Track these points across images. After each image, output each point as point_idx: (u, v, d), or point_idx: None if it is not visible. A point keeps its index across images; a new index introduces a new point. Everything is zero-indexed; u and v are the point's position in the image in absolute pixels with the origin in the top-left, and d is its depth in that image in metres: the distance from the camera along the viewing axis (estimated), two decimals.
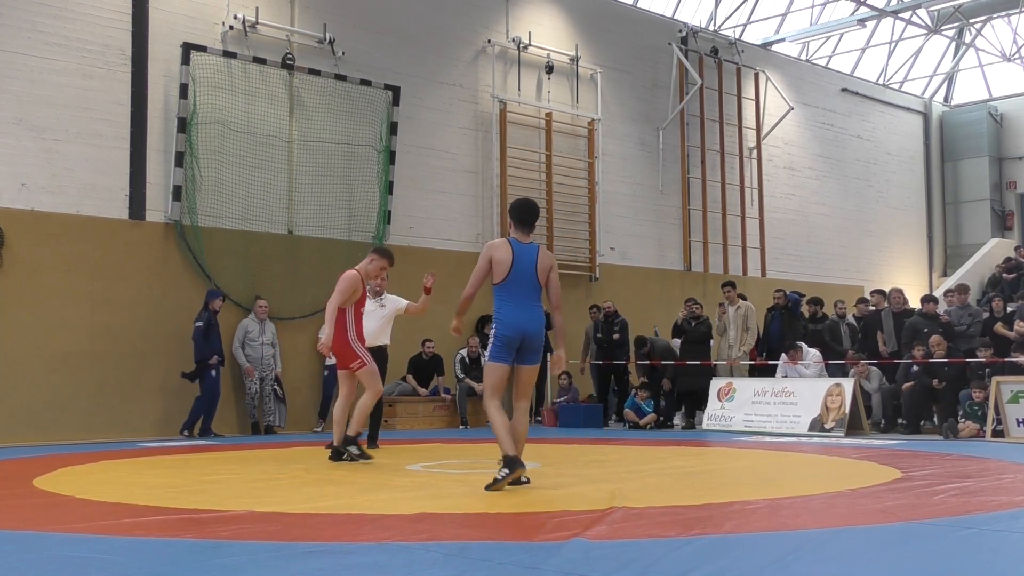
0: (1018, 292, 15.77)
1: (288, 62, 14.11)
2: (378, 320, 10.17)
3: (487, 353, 7.13)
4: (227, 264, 13.47)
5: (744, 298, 15.35)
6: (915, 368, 12.93)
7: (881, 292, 15.28)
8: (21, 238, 12.03)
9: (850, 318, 15.46)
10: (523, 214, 7.11)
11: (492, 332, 7.04)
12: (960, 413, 12.00)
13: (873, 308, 14.97)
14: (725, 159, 20.10)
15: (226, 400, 13.31)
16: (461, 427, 14.59)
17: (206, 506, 5.92)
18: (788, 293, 15.70)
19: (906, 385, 12.81)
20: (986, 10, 23.53)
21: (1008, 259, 19.62)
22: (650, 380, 14.82)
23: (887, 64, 24.63)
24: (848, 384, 12.48)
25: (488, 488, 6.59)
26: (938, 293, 17.82)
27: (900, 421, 12.96)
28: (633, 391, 14.74)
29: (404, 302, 10.35)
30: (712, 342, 15.10)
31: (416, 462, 8.76)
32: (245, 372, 13.27)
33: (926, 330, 13.22)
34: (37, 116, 12.24)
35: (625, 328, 15.37)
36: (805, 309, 15.63)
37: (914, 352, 13.03)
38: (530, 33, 17.08)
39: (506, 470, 6.66)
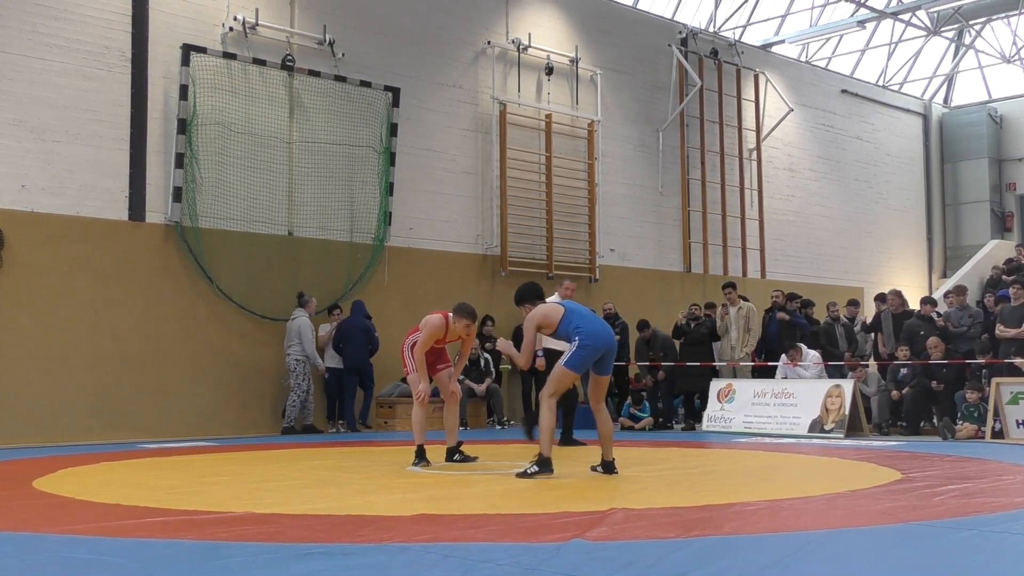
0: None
1: (288, 63, 14.12)
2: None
3: (566, 359, 7.52)
4: (227, 266, 13.46)
5: (745, 299, 15.35)
6: (903, 371, 12.95)
7: (883, 296, 15.28)
8: (21, 239, 12.03)
9: (846, 320, 15.47)
10: (539, 290, 8.19)
11: (577, 342, 7.46)
12: (958, 415, 12.00)
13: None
14: (725, 160, 20.10)
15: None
16: (461, 428, 14.54)
17: (206, 507, 5.92)
18: (788, 305, 15.64)
19: (905, 390, 12.80)
20: (986, 11, 23.54)
21: (1010, 260, 19.60)
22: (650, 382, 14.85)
23: (887, 66, 24.66)
24: (848, 385, 12.47)
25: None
26: (938, 294, 17.82)
27: (899, 423, 12.95)
28: (628, 398, 14.76)
29: None
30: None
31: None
32: (321, 372, 13.76)
33: (923, 332, 13.23)
34: (37, 117, 12.25)
35: (625, 330, 15.36)
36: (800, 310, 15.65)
37: (897, 353, 13.04)
38: (530, 34, 17.08)
39: (536, 468, 7.42)
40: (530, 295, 8.07)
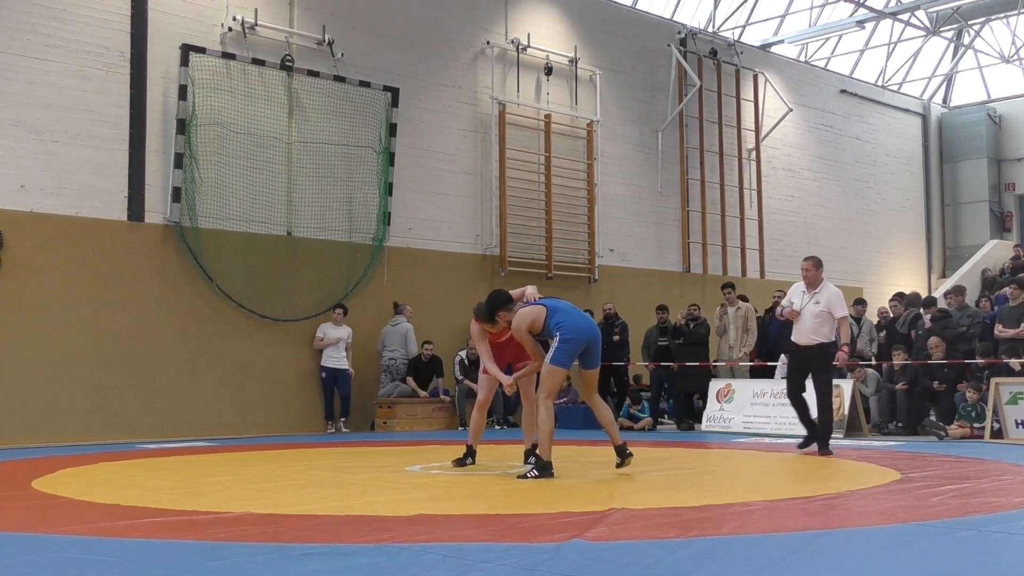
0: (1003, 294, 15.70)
1: (287, 63, 14.12)
2: None
3: (550, 357, 7.43)
4: (226, 266, 13.46)
5: (745, 299, 15.36)
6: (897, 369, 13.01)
7: (900, 296, 15.36)
8: (20, 240, 12.03)
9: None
10: (506, 295, 7.84)
11: (558, 338, 7.38)
12: (956, 415, 12.02)
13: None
14: (724, 161, 20.10)
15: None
16: (460, 428, 14.57)
17: (205, 508, 5.93)
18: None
19: (899, 386, 12.85)
20: (985, 11, 23.54)
21: (1015, 258, 19.63)
22: (652, 382, 14.88)
23: (886, 66, 24.65)
24: (847, 385, 12.48)
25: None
26: (937, 294, 17.83)
27: (897, 424, 12.96)
28: (627, 400, 14.78)
29: None
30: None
31: (415, 463, 8.76)
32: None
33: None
34: (36, 118, 12.24)
35: (625, 330, 15.37)
36: None
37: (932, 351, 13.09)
38: (529, 35, 17.08)
39: (536, 472, 7.36)
40: (499, 303, 7.78)
